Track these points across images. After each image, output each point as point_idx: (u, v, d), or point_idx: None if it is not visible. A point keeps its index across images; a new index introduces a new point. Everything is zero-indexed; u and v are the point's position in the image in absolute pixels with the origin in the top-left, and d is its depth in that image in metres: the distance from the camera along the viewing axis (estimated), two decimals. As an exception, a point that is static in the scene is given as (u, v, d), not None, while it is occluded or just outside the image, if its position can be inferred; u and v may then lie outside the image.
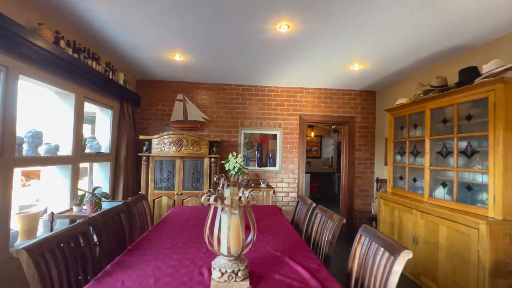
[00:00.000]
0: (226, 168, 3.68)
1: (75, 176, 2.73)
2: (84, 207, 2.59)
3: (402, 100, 3.30)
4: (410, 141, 3.10)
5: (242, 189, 1.17)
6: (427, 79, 3.24)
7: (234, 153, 3.70)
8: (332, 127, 7.25)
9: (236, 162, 3.56)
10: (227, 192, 1.67)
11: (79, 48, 2.62)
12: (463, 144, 2.40)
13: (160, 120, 4.20)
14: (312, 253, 1.53)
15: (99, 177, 3.45)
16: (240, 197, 1.14)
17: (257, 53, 2.97)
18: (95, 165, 3.43)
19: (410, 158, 3.10)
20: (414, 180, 3.04)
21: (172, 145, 3.67)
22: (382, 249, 1.20)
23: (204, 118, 4.12)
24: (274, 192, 4.04)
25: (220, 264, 1.14)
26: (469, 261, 2.11)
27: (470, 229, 2.11)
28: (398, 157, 3.36)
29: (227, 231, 1.15)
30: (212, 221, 1.20)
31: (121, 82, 3.45)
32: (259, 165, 4.38)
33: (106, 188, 3.40)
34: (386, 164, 4.08)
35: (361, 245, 1.39)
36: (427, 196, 2.70)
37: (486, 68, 2.23)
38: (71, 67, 2.39)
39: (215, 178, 2.20)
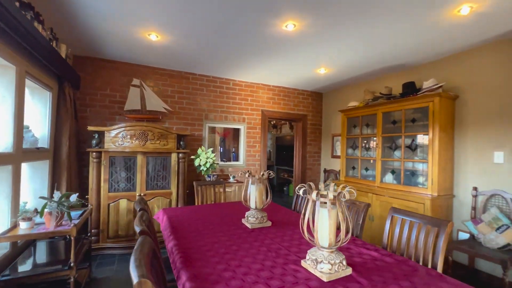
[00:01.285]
0: (196, 164, 3.47)
1: (17, 180, 1.99)
2: (38, 220, 1.94)
3: (353, 103, 3.95)
4: (362, 137, 3.77)
5: (342, 185, 1.24)
6: (372, 87, 3.99)
7: (203, 147, 3.53)
8: (272, 122, 7.75)
9: (208, 157, 3.41)
10: (326, 188, 1.66)
11: (26, 2, 1.90)
12: (409, 141, 3.14)
13: (108, 108, 3.47)
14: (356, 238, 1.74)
15: (29, 180, 2.58)
16: (341, 193, 1.20)
17: (232, 44, 2.86)
18: (23, 165, 2.55)
19: (363, 152, 3.77)
20: (366, 169, 3.73)
21: (134, 138, 3.13)
22: (425, 224, 1.52)
23: (165, 108, 3.68)
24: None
25: (325, 256, 1.18)
26: (417, 228, 2.82)
27: (418, 204, 2.82)
28: (350, 151, 4.01)
29: (328, 224, 1.20)
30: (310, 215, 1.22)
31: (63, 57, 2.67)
32: (222, 160, 4.29)
33: (44, 192, 2.59)
34: (333, 156, 4.77)
35: (395, 225, 1.69)
36: (379, 182, 3.39)
37: (426, 84, 2.98)
38: (17, 27, 1.71)
39: (241, 173, 2.08)
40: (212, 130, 4.21)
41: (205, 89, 4.06)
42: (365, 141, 3.76)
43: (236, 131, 4.49)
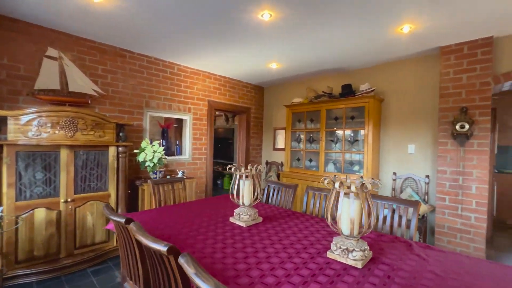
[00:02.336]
0: (141, 159, 3.01)
1: None
2: None
3: (298, 99, 4.25)
4: (307, 131, 4.11)
5: (359, 178, 1.31)
6: (314, 86, 4.38)
7: (147, 140, 3.11)
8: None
9: (155, 151, 3.02)
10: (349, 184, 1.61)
11: None
12: (348, 135, 3.64)
13: (6, 84, 2.49)
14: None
15: None
16: (363, 184, 1.28)
17: (190, 22, 2.54)
18: None
19: (307, 144, 4.13)
20: (310, 160, 4.10)
21: (58, 128, 2.37)
22: (402, 206, 1.81)
23: (96, 91, 2.95)
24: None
25: (355, 244, 1.23)
26: (356, 209, 3.33)
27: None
28: (295, 144, 4.32)
29: (352, 214, 1.25)
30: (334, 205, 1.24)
31: None
32: (165, 154, 3.82)
33: None
34: (274, 149, 5.01)
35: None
36: (322, 171, 3.80)
37: (362, 87, 3.51)
38: None
39: (229, 169, 1.90)
40: (154, 120, 3.67)
41: (146, 72, 3.48)
42: (310, 135, 4.12)
43: (180, 122, 4.08)
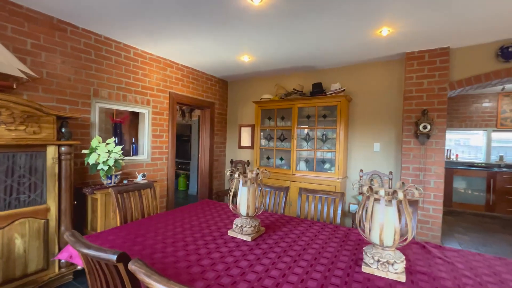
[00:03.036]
0: (91, 162, 2.46)
1: None
2: None
3: (267, 96, 4.11)
4: (278, 129, 4.01)
5: (399, 182, 1.22)
6: (283, 83, 4.29)
7: (99, 137, 2.58)
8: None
9: (111, 151, 2.52)
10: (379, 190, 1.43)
11: None
12: (320, 133, 3.67)
13: None
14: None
15: None
16: (395, 191, 1.19)
17: None
18: None
19: (278, 143, 4.03)
20: (281, 159, 4.02)
21: (-32, 120, 1.67)
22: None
23: (24, 72, 2.22)
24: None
25: (393, 255, 1.13)
26: (330, 207, 3.38)
27: (330, 187, 3.38)
28: (265, 141, 4.17)
29: (384, 222, 1.15)
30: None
31: None
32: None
33: None
34: (240, 147, 4.78)
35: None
36: (294, 170, 3.76)
37: (334, 87, 3.57)
38: None
39: (227, 173, 1.60)
40: (105, 113, 3.03)
41: (94, 53, 2.81)
42: (281, 133, 4.02)
43: (136, 116, 3.48)
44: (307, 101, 3.67)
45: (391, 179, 3.39)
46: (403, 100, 3.25)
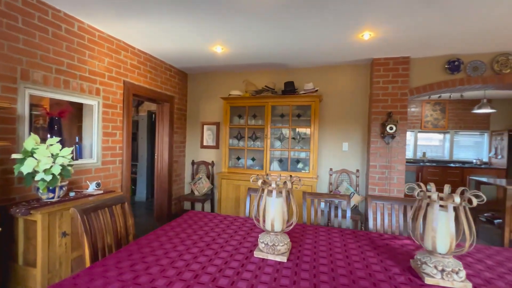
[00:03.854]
0: (25, 172, 1.83)
1: None
2: None
3: (236, 92, 3.85)
4: (249, 128, 3.79)
5: (461, 189, 1.18)
6: (252, 79, 4.09)
7: (35, 137, 1.98)
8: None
9: (55, 155, 1.95)
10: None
11: None
12: (294, 133, 3.62)
13: None
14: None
15: None
16: (464, 195, 1.16)
17: None
18: None
19: (249, 142, 3.81)
20: (253, 159, 3.82)
21: None
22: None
23: None
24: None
25: (453, 263, 1.09)
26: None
27: (307, 187, 3.37)
28: (234, 141, 3.90)
29: (451, 229, 1.11)
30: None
31: None
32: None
33: None
34: (202, 147, 4.37)
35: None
36: (267, 170, 3.62)
37: (307, 86, 3.57)
38: None
39: (258, 182, 1.31)
40: (37, 103, 2.25)
41: (22, 20, 2.04)
42: (253, 132, 3.82)
43: (79, 109, 2.74)
44: (281, 99, 3.57)
45: (358, 177, 3.60)
46: (370, 103, 3.47)
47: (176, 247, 1.38)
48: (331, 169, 3.73)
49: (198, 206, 4.32)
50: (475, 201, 1.09)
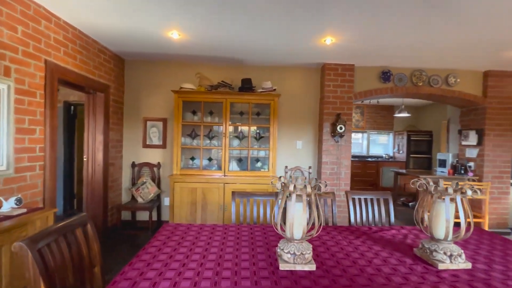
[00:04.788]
0: None
1: None
2: None
3: (189, 85, 3.50)
4: (205, 125, 3.50)
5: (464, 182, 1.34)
6: (204, 72, 3.78)
7: None
8: None
9: None
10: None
11: None
12: (254, 131, 3.55)
13: None
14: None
15: None
16: (462, 188, 1.33)
17: None
18: None
19: (206, 141, 3.52)
20: (209, 159, 3.54)
21: None
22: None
23: None
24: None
25: (454, 249, 1.24)
26: (267, 205, 3.36)
27: (268, 185, 3.36)
28: (187, 140, 3.53)
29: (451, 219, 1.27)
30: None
31: None
32: None
33: None
34: (146, 146, 3.80)
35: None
36: (226, 171, 3.44)
37: (266, 85, 3.56)
38: None
39: (277, 184, 1.15)
40: None
41: None
42: (209, 129, 3.53)
43: (-25, 94, 1.91)
44: (240, 96, 3.44)
45: (310, 173, 3.84)
46: (322, 104, 3.74)
47: (183, 274, 1.10)
48: (286, 167, 3.84)
49: (142, 215, 3.73)
50: (470, 192, 1.28)
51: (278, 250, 1.24)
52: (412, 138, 6.56)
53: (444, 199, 1.26)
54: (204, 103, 3.47)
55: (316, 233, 1.24)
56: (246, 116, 3.53)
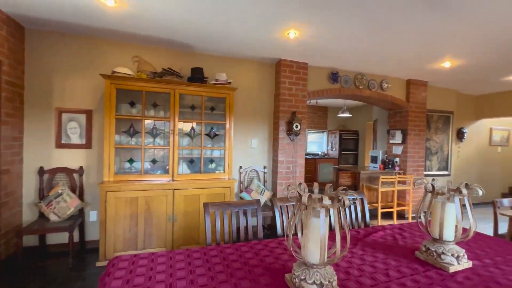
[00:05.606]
0: None
1: None
2: None
3: (124, 70, 2.83)
4: (148, 120, 2.89)
5: (463, 183, 1.32)
6: (144, 55, 3.12)
7: None
8: None
9: None
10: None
11: None
12: (208, 128, 3.13)
13: None
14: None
15: None
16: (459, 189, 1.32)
17: None
18: None
19: (148, 139, 2.90)
20: (153, 161, 2.94)
21: None
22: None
23: None
24: None
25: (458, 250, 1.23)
26: (224, 211, 3.01)
27: (225, 189, 3.02)
28: (123, 138, 2.84)
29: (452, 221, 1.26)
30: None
31: None
32: None
33: None
34: (60, 146, 2.89)
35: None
36: (175, 174, 2.93)
37: (220, 76, 3.19)
38: None
39: (292, 197, 0.87)
40: None
41: None
42: (153, 125, 2.92)
43: None
44: (192, 88, 2.97)
45: (265, 173, 3.68)
46: (277, 101, 3.62)
47: None
48: (241, 167, 3.57)
49: (56, 238, 2.82)
50: (480, 192, 1.28)
51: (296, 280, 0.96)
52: (343, 137, 7.25)
53: (452, 200, 1.24)
54: (146, 93, 2.85)
55: (340, 254, 1.02)
56: (199, 111, 3.08)
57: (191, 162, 3.09)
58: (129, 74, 2.80)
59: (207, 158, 3.17)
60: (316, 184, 1.17)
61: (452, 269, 1.17)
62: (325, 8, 2.22)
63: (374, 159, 4.92)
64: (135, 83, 2.76)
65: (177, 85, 2.90)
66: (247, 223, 1.60)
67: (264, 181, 3.65)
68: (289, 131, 3.54)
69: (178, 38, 2.94)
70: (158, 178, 2.87)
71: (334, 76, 3.91)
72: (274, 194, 3.65)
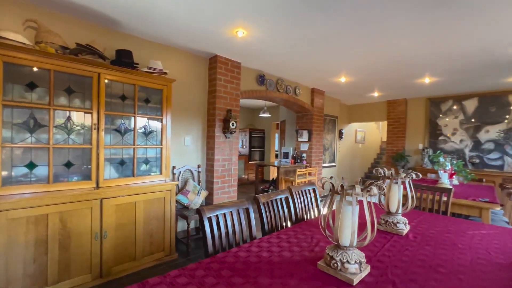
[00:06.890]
0: None
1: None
2: None
3: (17, 37, 2.04)
4: (57, 110, 2.16)
5: (390, 171, 1.75)
6: (46, 22, 2.30)
7: None
8: None
9: None
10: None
11: None
12: (142, 123, 2.66)
13: None
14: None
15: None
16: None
17: None
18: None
19: (58, 135, 2.17)
20: (68, 165, 2.22)
21: None
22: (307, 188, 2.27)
23: None
24: None
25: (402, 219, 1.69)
26: (164, 216, 2.67)
27: (165, 192, 2.69)
28: (18, 133, 2.01)
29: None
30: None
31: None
32: None
33: None
34: None
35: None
36: (102, 180, 2.36)
37: (155, 64, 2.79)
38: None
39: (325, 185, 0.97)
40: None
41: None
42: (67, 116, 2.18)
43: None
44: (124, 74, 2.46)
45: (200, 172, 3.53)
46: (212, 98, 3.52)
47: None
48: (174, 167, 3.25)
49: None
50: (414, 176, 1.77)
51: (338, 264, 1.06)
52: (252, 135, 7.81)
53: (396, 182, 1.67)
54: (55, 73, 2.12)
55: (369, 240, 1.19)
56: (130, 102, 2.58)
57: (121, 164, 2.54)
58: (25, 44, 2.00)
59: (140, 158, 2.70)
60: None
61: (405, 232, 1.60)
62: (273, 15, 2.36)
63: (285, 155, 5.61)
64: (38, 58, 2.00)
65: (103, 68, 2.32)
66: (241, 224, 1.54)
67: (199, 181, 3.48)
68: (225, 129, 3.53)
69: (100, 8, 2.34)
70: (75, 186, 2.20)
71: (261, 78, 4.19)
72: (210, 194, 3.54)
